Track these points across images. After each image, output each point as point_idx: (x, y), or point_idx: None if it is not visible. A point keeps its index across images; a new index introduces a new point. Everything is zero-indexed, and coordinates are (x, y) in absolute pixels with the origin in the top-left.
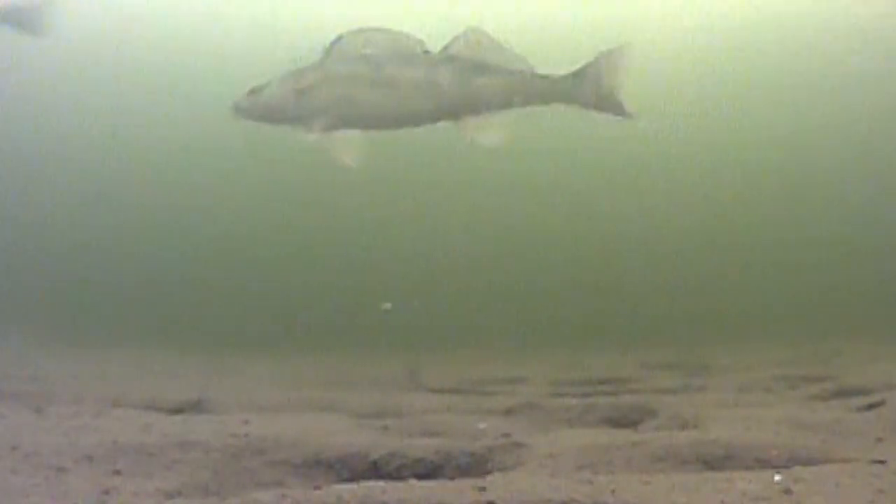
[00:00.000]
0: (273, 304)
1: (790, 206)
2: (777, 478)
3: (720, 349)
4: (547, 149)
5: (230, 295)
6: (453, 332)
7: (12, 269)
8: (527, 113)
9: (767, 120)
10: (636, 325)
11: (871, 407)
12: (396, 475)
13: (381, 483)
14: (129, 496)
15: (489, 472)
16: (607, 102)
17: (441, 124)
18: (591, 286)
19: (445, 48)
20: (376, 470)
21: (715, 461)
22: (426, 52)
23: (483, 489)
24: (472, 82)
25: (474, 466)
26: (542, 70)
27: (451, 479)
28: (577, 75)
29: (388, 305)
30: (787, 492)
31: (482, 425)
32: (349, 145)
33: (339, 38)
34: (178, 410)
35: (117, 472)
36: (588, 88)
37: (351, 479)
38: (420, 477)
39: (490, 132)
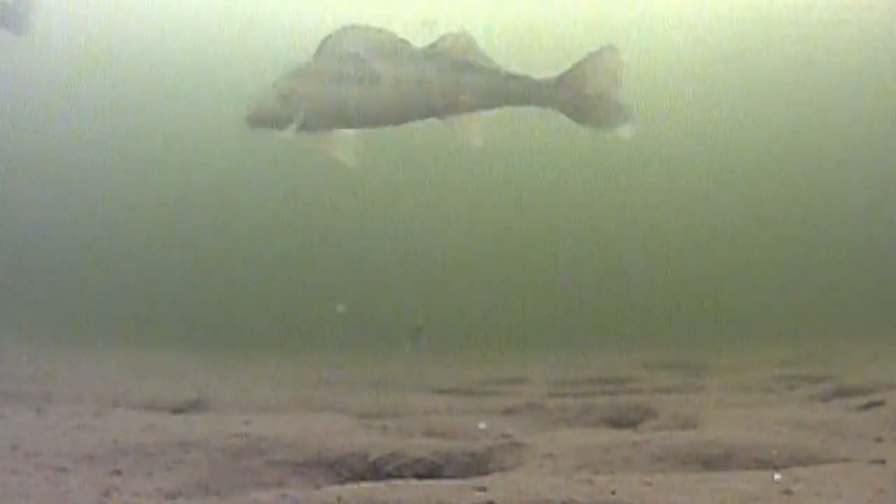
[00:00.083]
0: (273, 304)
1: (790, 206)
2: (777, 478)
3: (720, 349)
4: (547, 148)
5: (230, 295)
6: (454, 333)
7: (12, 269)
8: (524, 112)
9: (767, 120)
10: (636, 325)
11: (870, 407)
12: (396, 475)
13: (381, 483)
14: (130, 496)
15: (489, 472)
16: (585, 112)
17: (431, 125)
18: (591, 286)
19: (431, 46)
20: (376, 470)
21: (715, 461)
22: (412, 49)
23: (483, 489)
24: (457, 79)
25: (474, 466)
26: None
27: (451, 479)
28: (560, 80)
29: (342, 307)
30: (787, 492)
31: (482, 425)
32: (345, 144)
33: (328, 37)
34: (178, 410)
35: (117, 472)
36: (567, 94)
37: (351, 480)
38: (420, 477)
39: (476, 131)
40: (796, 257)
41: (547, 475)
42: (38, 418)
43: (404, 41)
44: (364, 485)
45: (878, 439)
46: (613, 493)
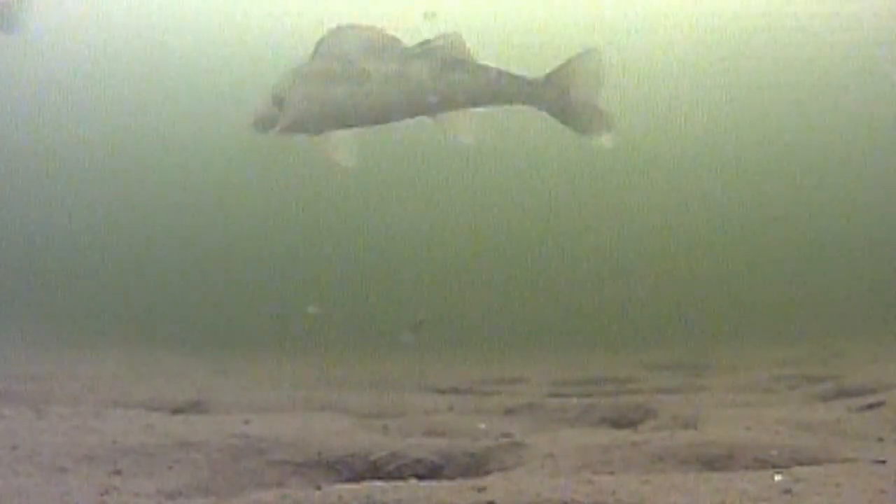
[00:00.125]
0: (273, 304)
1: (791, 206)
2: (777, 478)
3: (720, 349)
4: (548, 146)
5: (230, 295)
6: (454, 333)
7: (12, 269)
8: (523, 111)
9: (767, 120)
10: (636, 325)
11: (871, 407)
12: (397, 475)
13: (381, 483)
14: (129, 496)
15: (489, 472)
16: (569, 116)
17: (423, 127)
18: (591, 286)
19: (421, 44)
20: (376, 470)
21: (715, 461)
22: (402, 48)
23: (483, 489)
24: (447, 77)
25: (474, 466)
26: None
27: (451, 479)
28: (547, 80)
29: (314, 308)
30: (787, 492)
31: (482, 425)
32: (342, 145)
33: (322, 39)
34: (178, 410)
35: (117, 472)
36: (554, 95)
37: (351, 479)
38: (420, 477)
39: (467, 128)
40: (797, 257)
41: (547, 475)
42: (38, 418)
43: (395, 39)
44: (364, 485)
45: (880, 439)
46: (614, 493)
